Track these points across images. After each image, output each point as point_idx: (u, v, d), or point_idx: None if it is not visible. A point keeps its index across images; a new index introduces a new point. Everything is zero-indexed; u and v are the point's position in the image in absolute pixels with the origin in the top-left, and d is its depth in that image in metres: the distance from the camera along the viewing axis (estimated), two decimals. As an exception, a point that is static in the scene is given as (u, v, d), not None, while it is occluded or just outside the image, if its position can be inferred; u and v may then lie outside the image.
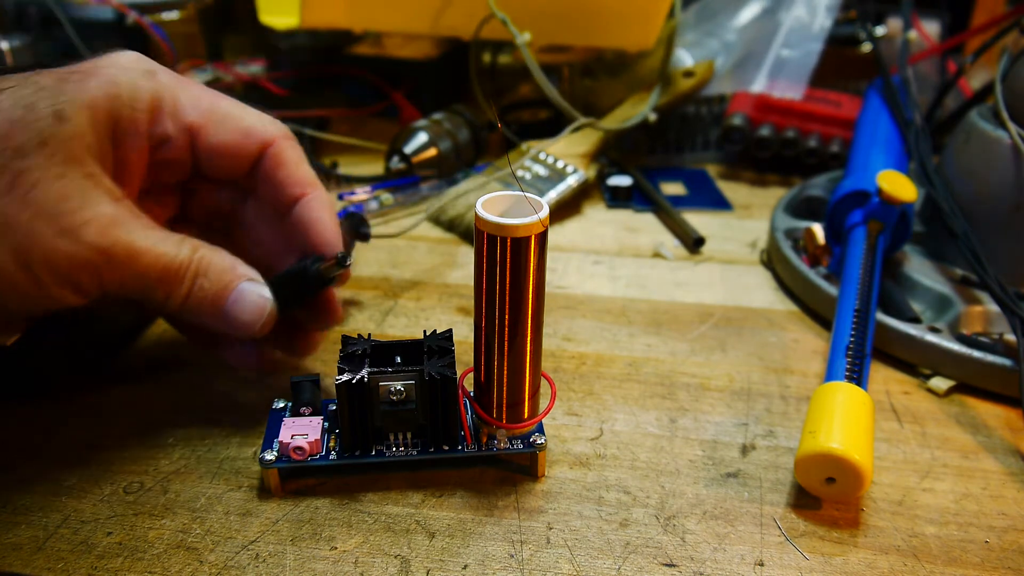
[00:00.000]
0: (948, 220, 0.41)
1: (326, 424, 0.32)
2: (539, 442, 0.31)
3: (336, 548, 0.28)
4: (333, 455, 0.30)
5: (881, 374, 0.39)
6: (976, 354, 0.37)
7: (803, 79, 0.62)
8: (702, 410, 0.36)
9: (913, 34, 0.62)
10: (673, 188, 0.58)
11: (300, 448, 0.30)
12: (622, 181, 0.56)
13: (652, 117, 0.57)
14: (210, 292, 0.29)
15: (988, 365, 0.36)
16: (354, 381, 0.29)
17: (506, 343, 0.28)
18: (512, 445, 0.31)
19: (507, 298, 0.27)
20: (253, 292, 0.30)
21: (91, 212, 0.26)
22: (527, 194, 0.27)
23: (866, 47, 0.71)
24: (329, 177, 0.56)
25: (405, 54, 0.68)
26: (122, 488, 0.31)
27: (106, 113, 0.28)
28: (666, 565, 0.28)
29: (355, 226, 0.44)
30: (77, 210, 0.26)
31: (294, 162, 0.33)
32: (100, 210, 0.27)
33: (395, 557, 0.28)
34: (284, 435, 0.30)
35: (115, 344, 0.38)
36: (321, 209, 0.33)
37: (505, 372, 0.29)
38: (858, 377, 0.33)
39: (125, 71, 0.29)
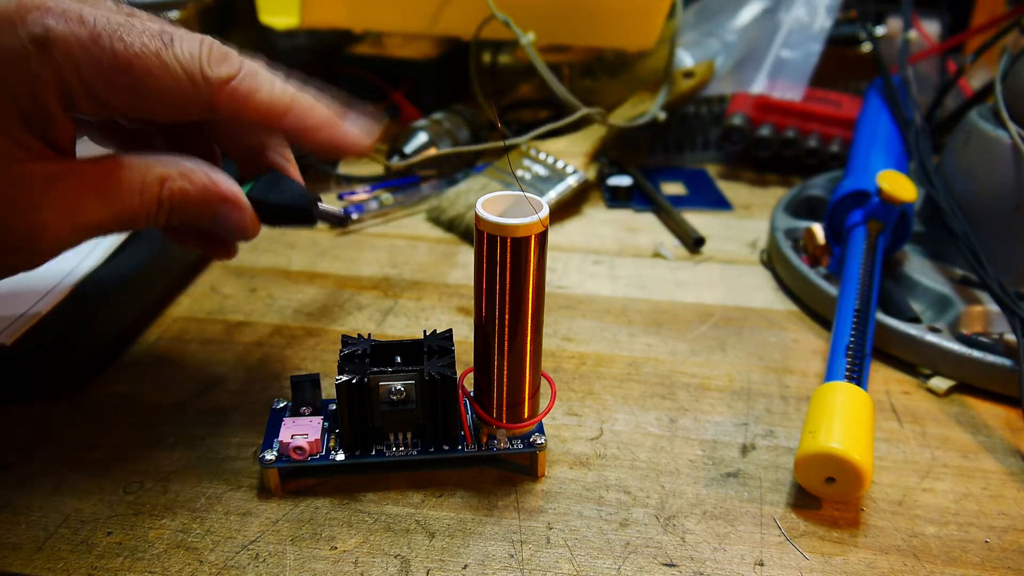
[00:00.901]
0: (948, 220, 0.41)
1: (326, 424, 0.32)
2: (539, 442, 0.31)
3: (336, 548, 0.28)
4: (333, 455, 0.30)
5: (881, 374, 0.39)
6: (976, 354, 0.37)
7: (803, 79, 0.62)
8: (702, 410, 0.36)
9: (913, 34, 0.62)
10: (673, 188, 0.58)
11: (300, 448, 0.30)
12: (622, 181, 0.56)
13: (662, 116, 0.57)
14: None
15: (988, 365, 0.36)
16: (354, 381, 0.29)
17: (506, 343, 0.28)
18: (512, 445, 0.31)
19: (507, 298, 0.27)
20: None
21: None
22: (527, 194, 0.27)
23: (866, 47, 0.71)
24: (329, 177, 0.57)
25: (405, 54, 0.68)
26: (122, 488, 0.31)
27: None
28: (666, 565, 0.28)
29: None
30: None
31: (252, 103, 0.28)
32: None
33: (395, 557, 0.28)
34: (284, 435, 0.30)
35: (115, 344, 0.38)
36: (304, 126, 0.29)
37: (505, 372, 0.29)
38: (858, 377, 0.33)
39: (9, 49, 0.24)
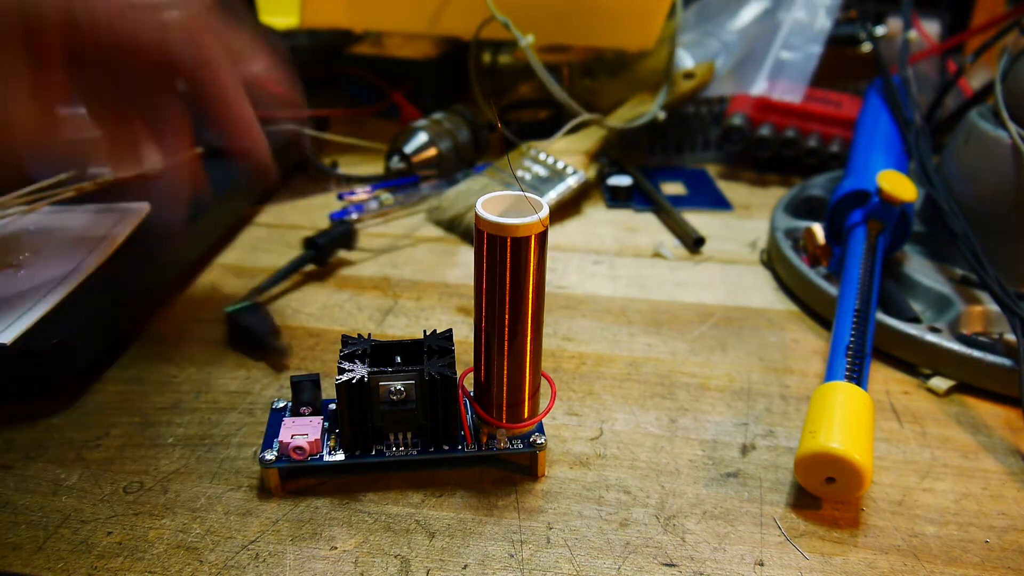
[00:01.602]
0: (948, 220, 0.41)
1: (326, 424, 0.32)
2: (539, 442, 0.31)
3: (336, 548, 0.28)
4: (333, 455, 0.30)
5: (881, 374, 0.39)
6: (976, 354, 0.37)
7: (803, 80, 0.62)
8: (702, 410, 0.36)
9: (913, 34, 0.62)
10: (673, 188, 0.58)
11: (300, 448, 0.30)
12: (622, 181, 0.56)
13: (661, 116, 0.57)
14: None
15: (988, 365, 0.36)
16: (354, 381, 0.29)
17: (506, 343, 0.28)
18: (512, 445, 0.31)
19: (507, 298, 0.27)
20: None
21: None
22: (527, 194, 0.27)
23: (866, 47, 0.71)
24: (329, 177, 0.57)
25: (405, 54, 0.68)
26: (122, 488, 0.31)
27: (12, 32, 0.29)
28: (666, 565, 0.28)
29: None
30: None
31: (216, 101, 0.33)
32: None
33: (395, 557, 0.28)
34: (284, 435, 0.30)
35: (115, 344, 0.38)
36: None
37: (505, 372, 0.29)
38: (858, 377, 0.33)
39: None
